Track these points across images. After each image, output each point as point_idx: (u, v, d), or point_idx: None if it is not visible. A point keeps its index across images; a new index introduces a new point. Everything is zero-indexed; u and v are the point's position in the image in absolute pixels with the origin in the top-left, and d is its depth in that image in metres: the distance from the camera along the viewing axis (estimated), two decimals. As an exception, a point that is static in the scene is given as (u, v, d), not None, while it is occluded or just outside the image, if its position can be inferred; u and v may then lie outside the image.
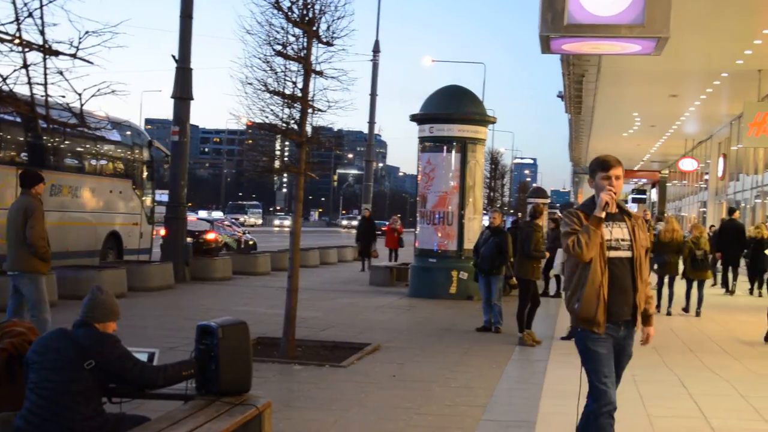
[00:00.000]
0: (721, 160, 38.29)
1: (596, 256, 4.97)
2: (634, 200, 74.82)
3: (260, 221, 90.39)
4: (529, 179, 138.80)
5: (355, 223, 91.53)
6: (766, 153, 29.98)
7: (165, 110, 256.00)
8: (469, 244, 16.21)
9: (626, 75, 25.95)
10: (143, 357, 4.94)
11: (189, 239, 20.89)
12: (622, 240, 5.06)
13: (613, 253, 5.02)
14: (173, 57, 18.87)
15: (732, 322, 14.78)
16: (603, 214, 4.97)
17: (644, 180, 64.42)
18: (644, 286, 5.10)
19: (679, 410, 7.58)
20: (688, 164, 43.32)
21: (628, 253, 5.05)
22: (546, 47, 11.85)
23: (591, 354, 5.09)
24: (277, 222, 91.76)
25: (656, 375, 9.01)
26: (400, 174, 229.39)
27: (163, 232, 19.62)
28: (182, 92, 19.02)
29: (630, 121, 37.82)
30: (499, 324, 12.69)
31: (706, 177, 43.37)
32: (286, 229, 76.67)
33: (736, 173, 36.66)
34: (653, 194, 63.56)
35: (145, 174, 21.16)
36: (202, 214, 56.00)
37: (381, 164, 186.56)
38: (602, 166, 5.11)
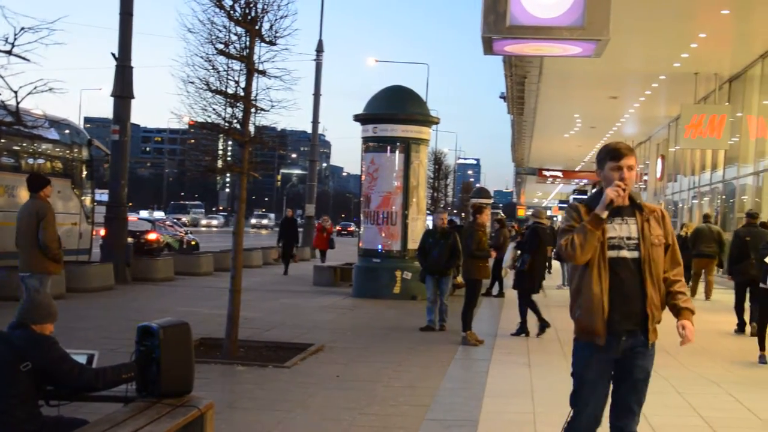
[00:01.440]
0: (659, 161, 39.02)
1: (595, 258, 4.35)
2: (576, 200, 76.01)
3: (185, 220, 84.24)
4: (472, 179, 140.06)
5: (266, 222, 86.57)
6: (703, 154, 30.66)
7: (105, 109, 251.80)
8: (413, 244, 16.24)
9: (567, 77, 26.30)
10: (82, 359, 4.85)
11: (130, 239, 20.58)
12: (628, 238, 4.40)
13: (615, 253, 4.38)
14: (113, 55, 18.59)
15: (666, 320, 15.07)
16: (605, 214, 4.33)
17: (585, 180, 65.38)
18: (657, 290, 4.43)
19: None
20: (627, 165, 43.92)
21: (634, 254, 4.39)
22: (488, 48, 11.95)
23: (579, 375, 4.52)
24: (204, 221, 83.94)
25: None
26: (344, 174, 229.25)
27: (103, 232, 19.32)
28: (123, 91, 18.74)
29: (571, 123, 38.34)
30: (444, 322, 12.83)
31: (645, 178, 44.18)
32: (214, 229, 75.21)
33: (674, 174, 37.41)
34: (594, 194, 64.59)
35: (84, 173, 20.81)
36: (144, 214, 55.17)
37: (325, 164, 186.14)
38: (612, 155, 4.45)
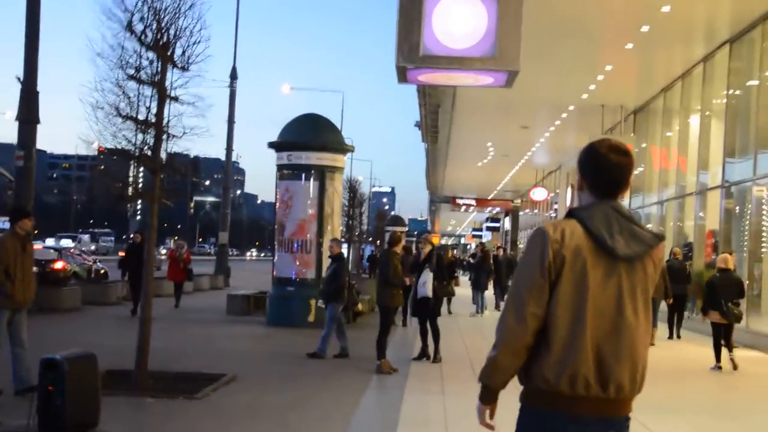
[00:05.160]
0: (569, 189, 39.93)
1: None
2: (489, 228, 77.07)
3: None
4: (387, 207, 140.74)
5: (71, 244, 59.42)
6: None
7: (9, 133, 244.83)
8: (328, 272, 16.23)
9: (480, 106, 26.73)
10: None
11: (35, 268, 19.91)
12: None
13: None
14: (18, 79, 18.07)
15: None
16: None
17: (498, 209, 66.46)
18: None
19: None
20: (539, 194, 44.86)
21: None
22: (402, 77, 12.06)
23: None
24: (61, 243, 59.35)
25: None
26: (259, 202, 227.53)
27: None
28: (28, 115, 18.18)
29: (484, 151, 38.92)
30: (323, 351, 12.66)
31: (556, 206, 45.12)
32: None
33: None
34: (507, 223, 65.62)
35: (-14, 200, 20.13)
36: (50, 242, 53.40)
37: (239, 191, 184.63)
38: None
